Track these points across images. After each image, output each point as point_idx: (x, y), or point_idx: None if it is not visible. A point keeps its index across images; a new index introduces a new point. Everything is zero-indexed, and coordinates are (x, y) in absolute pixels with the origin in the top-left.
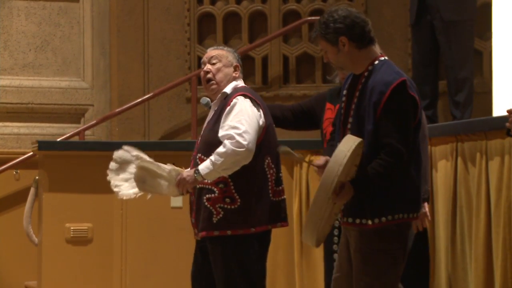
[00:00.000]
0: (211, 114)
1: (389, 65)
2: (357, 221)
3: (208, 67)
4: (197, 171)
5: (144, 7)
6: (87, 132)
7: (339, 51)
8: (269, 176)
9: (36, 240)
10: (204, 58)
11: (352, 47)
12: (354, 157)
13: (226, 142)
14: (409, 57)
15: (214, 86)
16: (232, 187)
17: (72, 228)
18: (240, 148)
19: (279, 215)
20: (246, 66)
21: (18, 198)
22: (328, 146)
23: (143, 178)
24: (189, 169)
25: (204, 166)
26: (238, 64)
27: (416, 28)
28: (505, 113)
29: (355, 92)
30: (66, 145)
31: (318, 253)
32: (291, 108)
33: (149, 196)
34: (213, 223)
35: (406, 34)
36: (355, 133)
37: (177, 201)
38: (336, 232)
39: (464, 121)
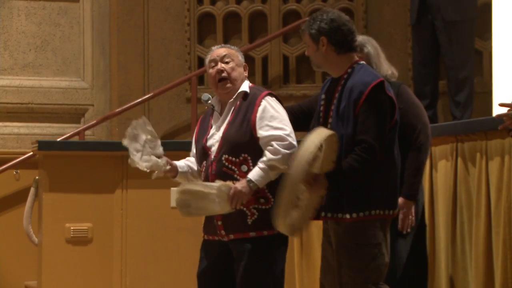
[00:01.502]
0: (228, 113)
1: (367, 68)
2: (335, 215)
3: (222, 66)
4: (250, 181)
5: (144, 7)
6: (87, 132)
7: (318, 50)
8: None
9: (36, 240)
10: (215, 57)
11: (331, 49)
12: (330, 153)
13: (276, 145)
14: (409, 57)
15: (229, 85)
16: (265, 187)
17: (72, 228)
18: (291, 148)
19: None
20: None
21: (18, 198)
22: None
23: (186, 203)
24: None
25: (257, 175)
26: (246, 64)
27: (417, 28)
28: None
29: (334, 94)
30: (66, 145)
31: (318, 253)
32: (291, 109)
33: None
34: (248, 224)
35: (406, 34)
36: (336, 132)
37: None
38: None
39: (464, 121)
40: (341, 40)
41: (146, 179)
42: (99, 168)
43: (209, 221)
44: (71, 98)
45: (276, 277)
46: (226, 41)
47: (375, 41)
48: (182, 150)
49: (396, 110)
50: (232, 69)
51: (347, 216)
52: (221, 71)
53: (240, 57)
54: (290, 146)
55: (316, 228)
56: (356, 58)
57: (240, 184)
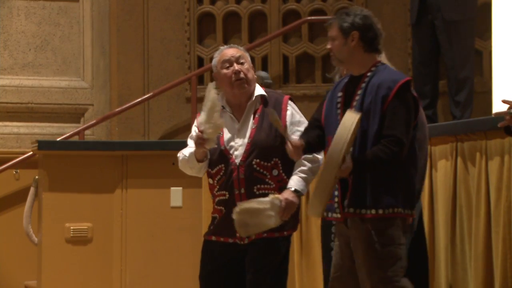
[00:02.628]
0: (249, 117)
1: (392, 69)
2: (358, 211)
3: (238, 67)
4: (297, 191)
5: (144, 7)
6: (87, 132)
7: (346, 44)
8: None
9: (36, 240)
10: (230, 57)
11: (359, 46)
12: (355, 129)
13: (314, 153)
14: (409, 57)
15: (246, 86)
16: None
17: (72, 228)
18: (322, 153)
19: None
20: None
21: (18, 198)
22: None
23: (244, 222)
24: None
25: (301, 184)
26: (252, 65)
27: (417, 27)
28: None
29: (356, 90)
30: (66, 144)
31: (318, 253)
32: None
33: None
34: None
35: (406, 34)
36: (360, 128)
37: (177, 200)
38: (334, 229)
39: (464, 121)
40: (371, 38)
41: (146, 178)
42: (99, 168)
43: (225, 223)
44: (71, 98)
45: (285, 278)
46: (226, 41)
47: None
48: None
49: (419, 110)
50: (248, 70)
51: (372, 212)
52: (239, 72)
53: (249, 60)
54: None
55: (316, 228)
56: (378, 59)
57: (289, 195)
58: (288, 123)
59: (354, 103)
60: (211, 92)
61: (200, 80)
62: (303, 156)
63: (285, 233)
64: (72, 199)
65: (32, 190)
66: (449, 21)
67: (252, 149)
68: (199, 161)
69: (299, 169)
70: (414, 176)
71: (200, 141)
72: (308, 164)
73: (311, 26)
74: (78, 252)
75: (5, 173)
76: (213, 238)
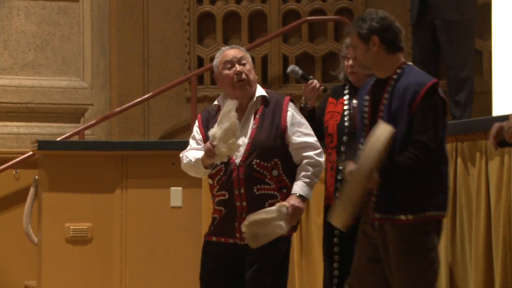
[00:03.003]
0: (249, 117)
1: (418, 70)
2: (386, 216)
3: (240, 67)
4: (301, 196)
5: (144, 7)
6: (87, 132)
7: (368, 50)
8: None
9: (36, 239)
10: (232, 58)
11: (382, 49)
12: (387, 143)
13: (315, 157)
14: (409, 56)
15: (248, 87)
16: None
17: (72, 227)
18: (323, 154)
19: None
20: None
21: (17, 198)
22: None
23: (254, 234)
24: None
25: (306, 189)
26: (253, 66)
27: (417, 27)
28: (505, 113)
29: (383, 94)
30: (65, 144)
31: (318, 253)
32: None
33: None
34: None
35: (406, 34)
36: None
37: (177, 200)
38: (336, 232)
39: (464, 120)
40: (392, 38)
41: (146, 178)
42: (98, 168)
43: (225, 223)
44: (70, 98)
45: (287, 275)
46: (226, 41)
47: None
48: (182, 150)
49: (447, 111)
50: (249, 71)
51: (402, 217)
52: (241, 73)
53: (250, 60)
54: (322, 153)
55: (316, 228)
56: (403, 59)
57: (295, 201)
58: (288, 124)
59: (382, 107)
60: (231, 113)
61: (200, 80)
62: (305, 161)
63: (291, 232)
64: (72, 199)
65: (32, 190)
66: (449, 21)
67: (252, 149)
68: (206, 167)
69: (303, 173)
70: (446, 175)
71: (210, 154)
72: (311, 169)
73: (311, 26)
74: (78, 252)
75: (5, 173)
76: (214, 238)
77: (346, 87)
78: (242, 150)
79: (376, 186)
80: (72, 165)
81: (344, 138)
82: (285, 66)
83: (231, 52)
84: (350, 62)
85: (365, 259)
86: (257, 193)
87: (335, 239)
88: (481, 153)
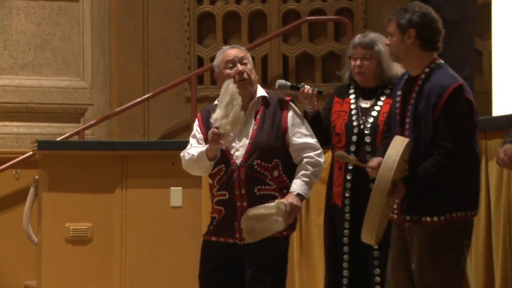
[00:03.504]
0: (250, 118)
1: (446, 69)
2: (414, 218)
3: (241, 67)
4: (299, 195)
5: (143, 6)
6: (87, 132)
7: (402, 41)
8: None
9: (36, 239)
10: (233, 57)
11: (416, 44)
12: (403, 155)
13: (316, 157)
14: None
15: (249, 87)
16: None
17: (72, 227)
18: (323, 155)
19: None
20: None
21: (17, 197)
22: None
23: (251, 228)
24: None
25: (304, 188)
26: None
27: None
28: (505, 113)
29: (411, 93)
30: (65, 144)
31: (318, 253)
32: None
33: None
34: None
35: None
36: (413, 133)
37: (177, 200)
38: (347, 225)
39: None
40: (429, 36)
41: (146, 178)
42: (98, 168)
43: (225, 223)
44: (70, 98)
45: (286, 275)
46: (225, 40)
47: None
48: (182, 150)
49: (475, 112)
50: (251, 71)
51: (428, 219)
52: (242, 72)
53: (251, 60)
54: (322, 154)
55: (316, 228)
56: (437, 58)
57: (294, 199)
58: (289, 125)
59: (410, 107)
60: (229, 86)
61: (200, 80)
62: (305, 160)
63: (284, 233)
64: (72, 199)
65: (32, 190)
66: (449, 21)
67: (253, 150)
68: (210, 159)
69: (302, 172)
70: (476, 175)
71: (215, 137)
72: (311, 168)
73: (311, 26)
74: (78, 252)
75: (5, 173)
76: (213, 238)
77: (351, 87)
78: (243, 150)
79: (401, 196)
80: (72, 165)
81: (354, 138)
82: (285, 66)
83: (233, 51)
84: (358, 62)
85: (396, 252)
86: (258, 193)
87: (345, 232)
88: (481, 153)
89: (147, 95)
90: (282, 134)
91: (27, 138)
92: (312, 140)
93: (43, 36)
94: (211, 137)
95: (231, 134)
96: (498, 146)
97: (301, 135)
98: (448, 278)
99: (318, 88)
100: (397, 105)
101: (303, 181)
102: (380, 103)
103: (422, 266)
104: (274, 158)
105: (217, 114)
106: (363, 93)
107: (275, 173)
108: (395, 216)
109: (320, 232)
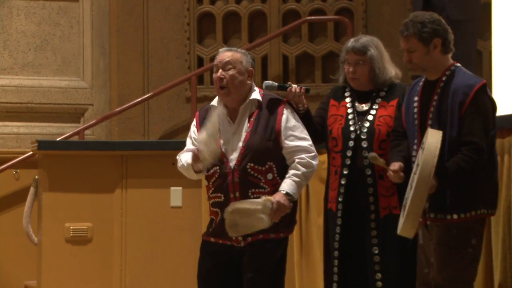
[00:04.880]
0: (243, 120)
1: (465, 71)
2: (439, 216)
3: (222, 73)
4: (288, 194)
5: (143, 6)
6: (87, 132)
7: (429, 52)
8: None
9: (35, 239)
10: (218, 62)
11: (441, 50)
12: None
13: (308, 158)
14: None
15: (226, 92)
16: None
17: (71, 227)
18: (317, 159)
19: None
20: None
21: (17, 197)
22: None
23: (234, 222)
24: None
25: (293, 188)
26: (252, 69)
27: None
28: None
29: (432, 96)
30: (65, 144)
31: (318, 253)
32: (321, 125)
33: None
34: (272, 226)
35: None
36: None
37: (177, 200)
38: (338, 230)
39: None
40: (450, 39)
41: (146, 178)
42: (98, 168)
43: (222, 226)
44: (70, 98)
45: (283, 279)
46: (225, 40)
47: (379, 42)
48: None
49: (496, 111)
50: (232, 77)
51: (455, 216)
52: (222, 79)
53: (244, 63)
54: (315, 157)
55: (316, 228)
56: (451, 60)
57: (281, 198)
58: (282, 127)
59: (432, 109)
60: (213, 116)
61: (200, 80)
62: (297, 160)
63: (281, 234)
64: (72, 199)
65: (32, 190)
66: (453, 20)
67: (246, 153)
68: (196, 172)
69: (292, 172)
70: (496, 175)
71: (195, 158)
72: (303, 169)
73: (311, 26)
74: (78, 252)
75: (5, 173)
76: (212, 239)
77: (347, 90)
78: (236, 153)
79: (434, 190)
80: (72, 165)
81: (350, 143)
82: (285, 66)
83: (221, 56)
84: (351, 68)
85: (430, 256)
86: (252, 196)
87: (336, 236)
88: None
89: (147, 95)
90: (275, 136)
91: (27, 138)
92: (306, 143)
93: (43, 36)
94: (192, 156)
95: (209, 163)
96: (498, 146)
97: (295, 138)
98: (463, 273)
99: (305, 86)
100: (415, 110)
101: (293, 180)
102: (375, 106)
103: (438, 260)
104: (267, 161)
105: (200, 137)
106: (358, 97)
107: (269, 176)
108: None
109: (320, 232)
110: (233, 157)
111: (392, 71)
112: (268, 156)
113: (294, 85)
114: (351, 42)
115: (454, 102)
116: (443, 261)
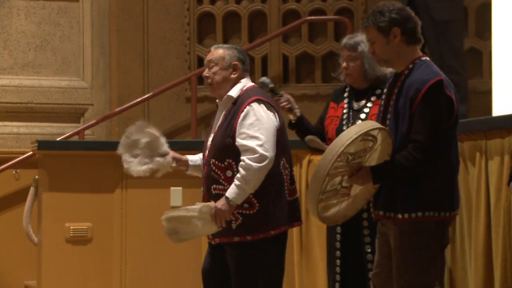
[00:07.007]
0: (219, 117)
1: (429, 65)
2: (387, 214)
3: (206, 72)
4: (227, 198)
5: (143, 6)
6: (87, 132)
7: (389, 42)
8: (284, 176)
9: (35, 239)
10: (205, 61)
11: (402, 40)
12: (385, 146)
13: (247, 160)
14: None
15: (212, 89)
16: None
17: (71, 227)
18: (264, 161)
19: (294, 215)
20: None
21: (17, 197)
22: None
23: (174, 230)
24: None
25: (234, 192)
26: (237, 63)
27: None
28: (505, 113)
29: (394, 89)
30: (65, 144)
31: (318, 253)
32: (320, 131)
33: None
34: (232, 229)
35: None
36: (393, 129)
37: (177, 200)
38: (338, 229)
39: (464, 120)
40: (413, 28)
41: (146, 178)
42: (99, 168)
43: None
44: (70, 98)
45: (266, 282)
46: (225, 40)
47: None
48: (182, 150)
49: (456, 109)
50: (215, 74)
51: (399, 216)
52: (206, 77)
53: (227, 58)
54: (261, 159)
55: (316, 228)
56: (420, 53)
57: (220, 203)
58: (238, 124)
59: (391, 103)
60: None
61: (200, 80)
62: (240, 162)
63: (248, 238)
64: (72, 199)
65: (32, 190)
66: (438, 21)
67: (212, 149)
68: (186, 171)
69: (236, 176)
70: (453, 176)
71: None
72: (242, 172)
73: (311, 26)
74: (78, 252)
75: (5, 173)
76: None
77: (346, 89)
78: (207, 149)
79: (363, 183)
80: (72, 165)
81: None
82: (285, 66)
83: (209, 54)
84: (344, 64)
85: (381, 256)
86: (213, 192)
87: (337, 236)
88: (481, 153)
89: (147, 95)
90: (233, 133)
91: (27, 138)
92: (253, 143)
93: (43, 36)
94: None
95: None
96: (498, 146)
97: (246, 136)
98: (420, 279)
99: (294, 107)
100: (382, 102)
101: (234, 184)
102: (369, 104)
103: (396, 267)
104: (226, 158)
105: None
106: (356, 95)
107: (228, 173)
108: (373, 214)
109: (320, 232)
110: (206, 153)
111: (384, 68)
112: (227, 153)
113: (287, 96)
114: (345, 39)
115: (407, 97)
116: (398, 268)
